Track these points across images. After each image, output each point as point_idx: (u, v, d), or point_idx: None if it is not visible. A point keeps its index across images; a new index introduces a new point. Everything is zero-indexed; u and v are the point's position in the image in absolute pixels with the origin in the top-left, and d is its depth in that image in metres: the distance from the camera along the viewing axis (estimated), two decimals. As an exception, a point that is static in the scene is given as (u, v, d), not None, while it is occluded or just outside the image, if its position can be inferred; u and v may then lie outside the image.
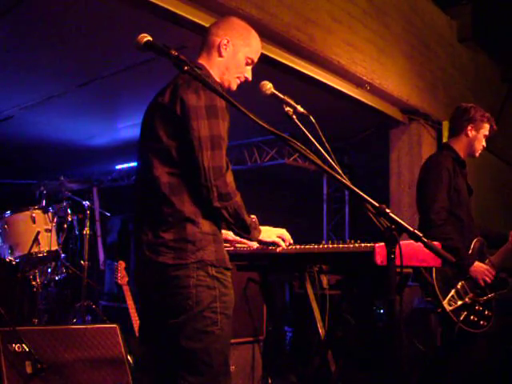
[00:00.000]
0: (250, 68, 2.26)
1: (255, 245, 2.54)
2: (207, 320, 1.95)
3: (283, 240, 2.38)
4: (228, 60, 2.18)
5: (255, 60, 2.26)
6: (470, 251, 3.21)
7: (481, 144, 3.39)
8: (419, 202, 3.35)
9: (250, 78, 2.26)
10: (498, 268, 3.23)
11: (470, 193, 3.43)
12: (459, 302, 3.07)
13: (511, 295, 3.37)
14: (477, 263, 3.14)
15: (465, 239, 3.22)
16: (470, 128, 3.35)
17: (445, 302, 3.05)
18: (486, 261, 3.24)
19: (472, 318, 3.09)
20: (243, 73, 2.22)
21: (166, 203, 1.98)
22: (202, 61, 2.19)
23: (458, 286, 3.11)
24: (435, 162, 3.34)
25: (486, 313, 3.15)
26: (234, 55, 2.18)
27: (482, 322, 3.12)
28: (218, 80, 2.17)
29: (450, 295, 3.07)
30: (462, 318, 3.05)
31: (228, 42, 2.17)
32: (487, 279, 3.13)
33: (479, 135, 3.37)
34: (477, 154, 3.43)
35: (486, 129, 3.38)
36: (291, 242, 2.41)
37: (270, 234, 2.34)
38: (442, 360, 3.25)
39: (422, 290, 3.20)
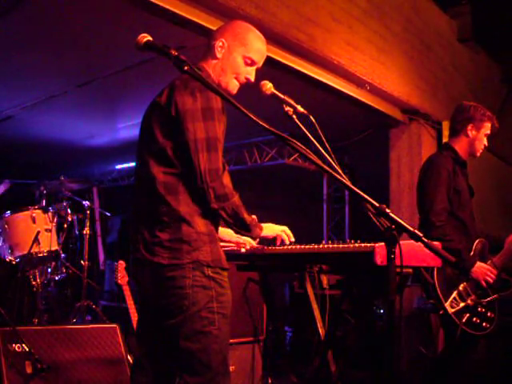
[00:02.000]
0: (251, 69, 2.21)
1: (247, 247, 2.54)
2: (204, 320, 1.95)
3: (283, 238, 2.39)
4: (223, 61, 2.16)
5: (256, 60, 2.20)
6: (472, 252, 3.17)
7: (482, 143, 3.32)
8: (419, 203, 3.30)
9: (251, 80, 2.21)
10: (500, 269, 3.19)
11: (472, 194, 3.38)
12: (461, 304, 3.03)
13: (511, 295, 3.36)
14: (478, 264, 3.10)
15: (467, 241, 3.19)
16: (470, 128, 3.29)
17: (447, 304, 3.00)
18: (488, 262, 3.19)
19: (474, 319, 3.05)
20: (241, 74, 2.18)
21: (161, 203, 1.98)
22: (202, 63, 2.19)
23: (460, 288, 3.07)
24: (435, 163, 3.28)
25: (489, 315, 3.11)
26: (229, 56, 2.16)
27: (484, 324, 3.07)
28: (216, 82, 2.16)
29: (452, 297, 3.03)
30: (464, 320, 2.99)
31: (223, 43, 2.16)
32: (489, 280, 3.09)
33: (480, 135, 3.30)
34: (478, 154, 3.36)
35: (486, 128, 3.31)
36: (293, 239, 2.42)
37: (272, 229, 2.35)
38: (445, 362, 3.21)
39: (424, 292, 3.16)
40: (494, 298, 3.13)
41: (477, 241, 3.22)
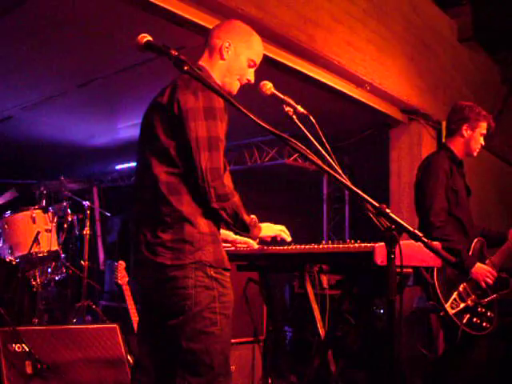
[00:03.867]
0: (252, 71, 2.27)
1: (255, 245, 2.55)
2: (206, 320, 1.95)
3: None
4: (230, 62, 2.19)
5: (257, 63, 2.27)
6: (471, 252, 3.17)
7: (478, 143, 3.32)
8: (418, 204, 3.30)
9: (252, 81, 2.27)
10: (498, 268, 3.19)
11: (469, 193, 3.38)
12: (461, 305, 3.02)
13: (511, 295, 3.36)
14: (478, 264, 3.09)
15: (465, 240, 3.18)
16: (465, 128, 3.29)
17: (447, 306, 2.99)
18: (487, 261, 3.20)
19: (475, 320, 3.04)
20: (245, 75, 2.23)
21: (164, 203, 1.98)
22: (202, 63, 2.21)
23: (460, 289, 3.06)
24: (432, 163, 3.28)
25: (489, 314, 3.10)
26: (236, 58, 2.20)
27: (484, 324, 3.06)
28: (218, 82, 2.18)
29: (452, 298, 3.01)
30: (465, 321, 2.98)
31: (230, 44, 2.18)
32: (489, 281, 3.08)
33: (475, 134, 3.30)
34: (474, 154, 3.36)
35: (482, 127, 3.30)
36: (291, 239, 2.42)
37: (271, 229, 2.35)
38: (446, 363, 3.19)
39: (424, 292, 3.14)
40: (493, 297, 3.12)
41: (475, 240, 3.22)
